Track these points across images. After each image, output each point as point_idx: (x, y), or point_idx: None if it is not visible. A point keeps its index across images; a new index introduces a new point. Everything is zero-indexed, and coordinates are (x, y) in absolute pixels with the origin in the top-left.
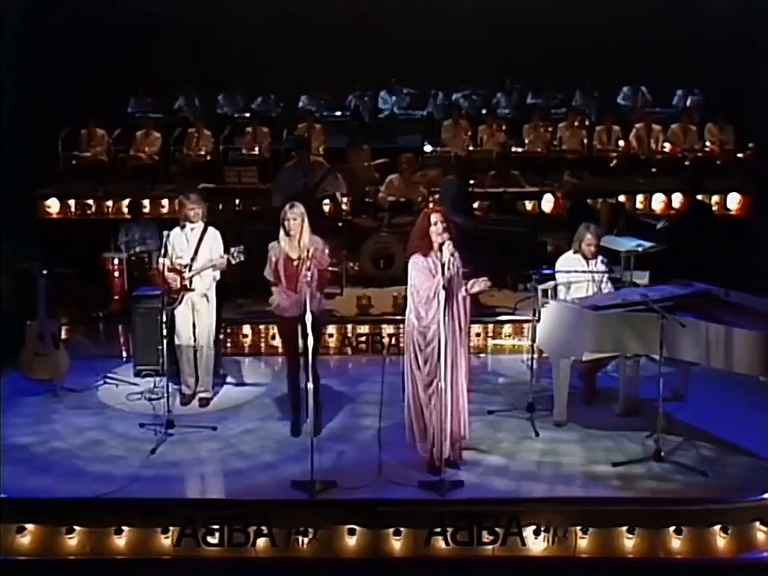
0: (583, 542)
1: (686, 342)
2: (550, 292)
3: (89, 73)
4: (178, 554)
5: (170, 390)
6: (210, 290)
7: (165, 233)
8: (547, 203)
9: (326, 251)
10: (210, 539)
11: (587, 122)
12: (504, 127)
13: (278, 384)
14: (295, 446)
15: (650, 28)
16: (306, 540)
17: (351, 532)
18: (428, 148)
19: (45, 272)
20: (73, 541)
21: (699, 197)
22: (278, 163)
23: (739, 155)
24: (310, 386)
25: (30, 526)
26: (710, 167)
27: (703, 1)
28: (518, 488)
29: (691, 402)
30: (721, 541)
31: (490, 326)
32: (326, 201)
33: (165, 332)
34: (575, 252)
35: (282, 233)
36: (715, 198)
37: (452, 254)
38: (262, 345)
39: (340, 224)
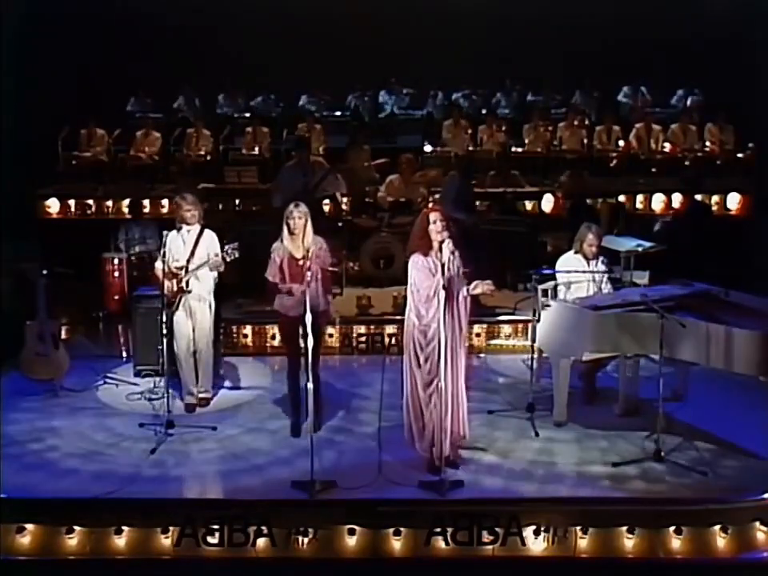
0: (583, 542)
1: (686, 342)
2: (550, 292)
3: (89, 73)
4: (177, 554)
5: (169, 390)
6: (210, 294)
7: (165, 233)
8: (547, 203)
9: (328, 250)
10: (209, 539)
11: (587, 122)
12: (504, 127)
13: (278, 384)
14: (295, 446)
15: (650, 28)
16: (305, 540)
17: (351, 532)
18: (428, 148)
19: (45, 272)
20: (73, 541)
21: (699, 197)
22: (277, 163)
23: (739, 155)
24: (310, 385)
25: (29, 526)
26: (709, 167)
27: (703, 1)
28: (517, 488)
29: (691, 402)
30: (721, 541)
31: (490, 326)
32: (326, 201)
33: (165, 332)
34: (576, 252)
35: (285, 232)
36: (715, 198)
37: (452, 253)
38: (262, 345)
39: (340, 224)
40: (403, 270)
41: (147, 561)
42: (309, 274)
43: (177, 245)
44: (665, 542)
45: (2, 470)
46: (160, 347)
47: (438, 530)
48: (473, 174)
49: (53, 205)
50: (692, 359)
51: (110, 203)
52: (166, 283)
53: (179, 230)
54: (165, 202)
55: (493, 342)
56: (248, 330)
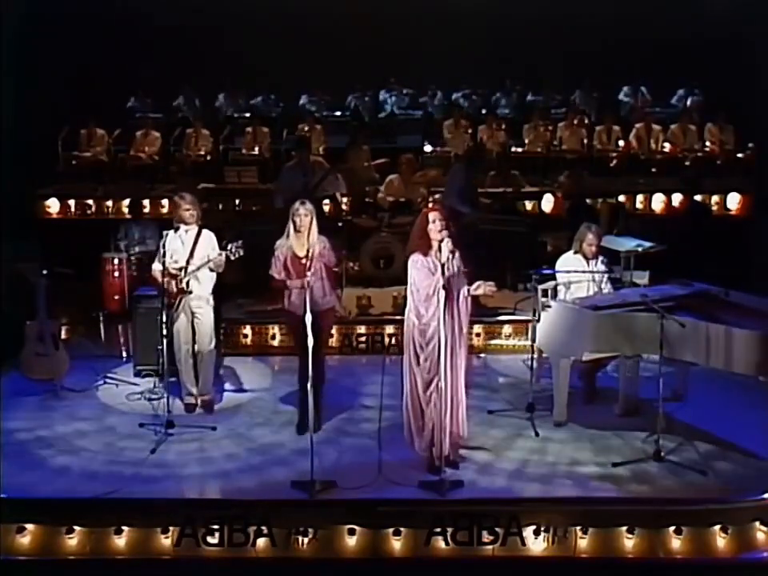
0: (583, 542)
1: (686, 342)
2: (549, 292)
3: (89, 73)
4: (178, 554)
5: (169, 390)
6: (210, 294)
7: (164, 233)
8: (547, 203)
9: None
10: (209, 539)
11: (587, 122)
12: (504, 127)
13: (279, 384)
14: (295, 445)
15: (649, 28)
16: (305, 540)
17: (351, 532)
18: (428, 148)
19: (45, 272)
20: (73, 541)
21: (699, 197)
22: (277, 163)
23: (739, 155)
24: (309, 385)
25: (29, 526)
26: (709, 167)
27: (703, 1)
28: (517, 488)
29: (691, 402)
30: (721, 541)
31: (490, 326)
32: (326, 201)
33: (164, 332)
34: (576, 252)
35: (290, 229)
36: (715, 198)
37: (451, 252)
38: (263, 345)
39: (340, 224)
40: (403, 270)
41: (147, 561)
42: (310, 273)
43: (175, 246)
44: (665, 542)
45: (2, 470)
46: (160, 347)
47: (438, 529)
48: (479, 166)
49: (53, 205)
50: (692, 359)
51: (110, 203)
52: (166, 284)
53: (177, 230)
54: (165, 202)
55: (493, 341)
56: (248, 330)
